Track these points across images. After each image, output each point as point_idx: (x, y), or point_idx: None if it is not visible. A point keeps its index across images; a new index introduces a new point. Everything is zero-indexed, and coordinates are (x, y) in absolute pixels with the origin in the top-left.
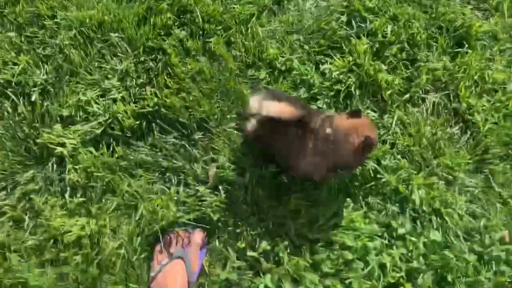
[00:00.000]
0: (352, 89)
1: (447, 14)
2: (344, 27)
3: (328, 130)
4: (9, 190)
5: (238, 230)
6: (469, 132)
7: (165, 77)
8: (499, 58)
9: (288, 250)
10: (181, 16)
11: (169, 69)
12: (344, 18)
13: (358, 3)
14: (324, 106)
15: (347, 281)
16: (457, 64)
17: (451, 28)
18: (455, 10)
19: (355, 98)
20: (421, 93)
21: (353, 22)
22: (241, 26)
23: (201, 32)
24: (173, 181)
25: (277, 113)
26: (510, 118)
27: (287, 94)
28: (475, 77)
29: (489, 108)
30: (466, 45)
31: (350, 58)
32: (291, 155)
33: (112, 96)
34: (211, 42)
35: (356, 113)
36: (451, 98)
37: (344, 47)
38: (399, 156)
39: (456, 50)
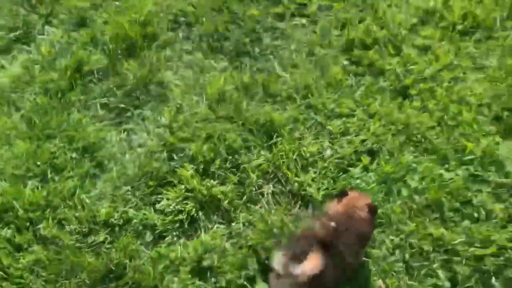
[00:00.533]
0: (194, 212)
1: (252, 116)
2: (167, 162)
3: (333, 224)
4: None
5: None
6: (310, 206)
7: None
8: (307, 133)
9: None
10: (3, 216)
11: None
12: (164, 155)
13: (172, 138)
14: (175, 239)
15: None
16: (275, 153)
17: (259, 127)
18: (258, 111)
19: (201, 220)
20: (256, 189)
21: (174, 155)
22: (68, 201)
23: (28, 224)
24: None
25: (312, 271)
26: (338, 180)
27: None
28: (294, 157)
29: (318, 178)
30: (276, 135)
31: (182, 187)
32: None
33: None
34: (40, 228)
35: (342, 194)
36: (283, 183)
37: (173, 180)
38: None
39: (270, 142)
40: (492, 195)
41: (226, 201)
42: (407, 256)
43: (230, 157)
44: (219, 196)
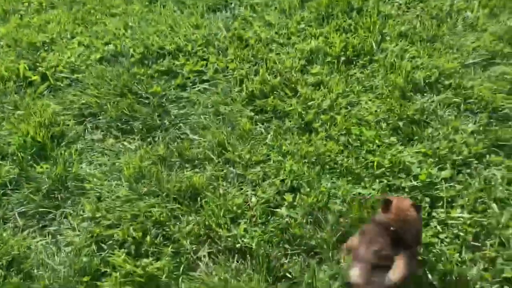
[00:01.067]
0: None
1: (175, 186)
2: (97, 253)
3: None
4: None
5: None
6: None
7: None
8: (230, 187)
9: None
10: None
11: None
12: (93, 247)
13: (98, 228)
14: None
15: None
16: (203, 214)
17: (183, 194)
18: (179, 179)
19: None
20: (192, 255)
21: (103, 245)
22: None
23: None
24: None
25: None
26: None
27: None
28: (222, 214)
29: (249, 227)
30: (201, 197)
31: (117, 274)
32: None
33: None
34: None
35: (386, 203)
36: (218, 241)
37: (106, 269)
38: None
39: (196, 206)
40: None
41: (164, 276)
42: None
43: (160, 231)
44: (156, 273)
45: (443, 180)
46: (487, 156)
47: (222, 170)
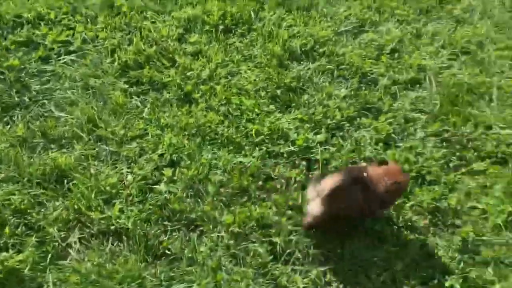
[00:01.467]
0: None
1: (38, 169)
2: None
3: (365, 174)
4: None
5: None
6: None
7: None
8: (103, 167)
9: None
10: None
11: None
12: None
13: None
14: None
15: None
16: (72, 198)
17: (48, 177)
18: (43, 161)
19: None
20: (61, 243)
21: None
22: None
23: None
24: None
25: (333, 185)
26: (147, 201)
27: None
28: (94, 195)
29: (125, 207)
30: (68, 180)
31: None
32: (362, 205)
33: None
34: None
35: (383, 163)
36: (90, 225)
37: None
38: None
39: (64, 190)
40: (287, 164)
41: (28, 268)
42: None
43: (21, 220)
44: (17, 266)
45: (318, 144)
46: (358, 119)
47: (94, 149)
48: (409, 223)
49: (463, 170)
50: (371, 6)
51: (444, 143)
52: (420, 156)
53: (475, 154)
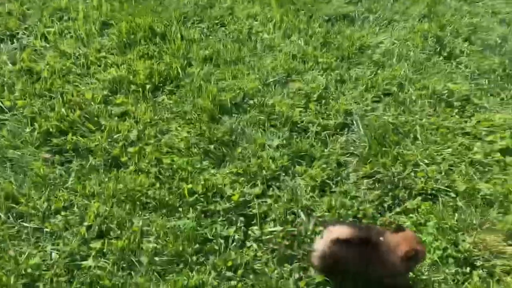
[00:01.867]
0: None
1: None
2: None
3: (381, 238)
4: None
5: None
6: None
7: None
8: (24, 246)
9: None
10: None
11: None
12: None
13: None
14: None
15: None
16: None
17: None
18: None
19: None
20: None
21: None
22: None
23: None
24: None
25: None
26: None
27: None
28: (12, 281)
29: None
30: None
31: None
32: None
33: None
34: None
35: (399, 229)
36: None
37: None
38: None
39: None
40: (224, 221)
41: None
42: None
43: None
44: None
45: (255, 197)
46: (292, 167)
47: (14, 227)
48: None
49: (398, 209)
50: (296, 56)
51: (377, 184)
52: (355, 200)
53: (407, 192)
